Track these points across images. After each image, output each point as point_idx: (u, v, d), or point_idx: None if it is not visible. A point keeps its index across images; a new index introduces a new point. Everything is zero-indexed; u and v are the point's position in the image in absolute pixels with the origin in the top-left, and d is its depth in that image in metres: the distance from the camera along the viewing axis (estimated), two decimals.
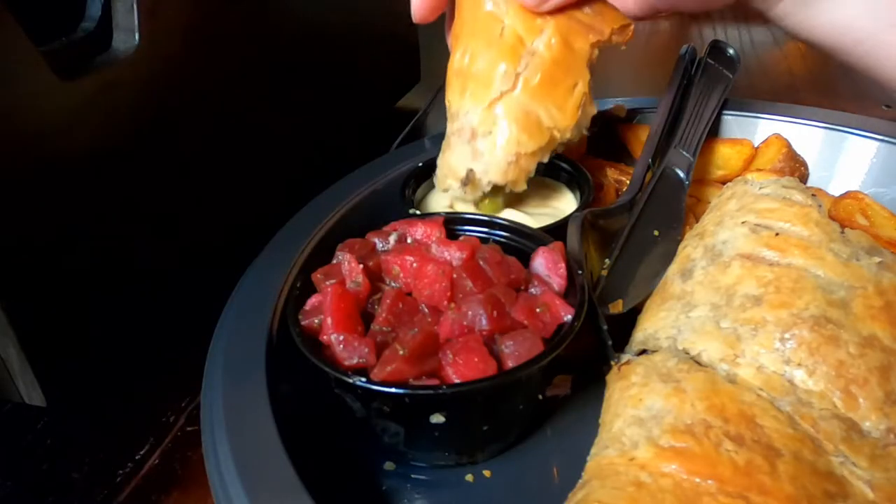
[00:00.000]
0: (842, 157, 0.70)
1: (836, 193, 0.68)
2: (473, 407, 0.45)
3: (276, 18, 0.70)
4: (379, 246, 0.53)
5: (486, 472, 0.47)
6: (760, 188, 0.54)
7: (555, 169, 0.69)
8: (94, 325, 0.54)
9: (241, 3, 0.65)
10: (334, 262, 0.52)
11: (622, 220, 0.60)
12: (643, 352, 0.49)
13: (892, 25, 0.67)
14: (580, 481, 0.41)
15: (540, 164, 0.69)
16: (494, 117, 0.59)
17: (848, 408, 0.40)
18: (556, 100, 0.59)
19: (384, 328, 0.46)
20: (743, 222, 0.51)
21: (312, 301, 0.49)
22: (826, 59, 1.02)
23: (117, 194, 0.54)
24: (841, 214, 0.63)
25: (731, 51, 0.77)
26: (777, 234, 0.48)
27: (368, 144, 0.86)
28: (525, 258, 0.52)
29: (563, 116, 0.59)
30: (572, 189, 0.67)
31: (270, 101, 0.71)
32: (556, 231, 0.56)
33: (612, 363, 0.48)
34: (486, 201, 0.62)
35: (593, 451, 0.43)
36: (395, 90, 1.01)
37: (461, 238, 0.53)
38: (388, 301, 0.47)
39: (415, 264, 0.49)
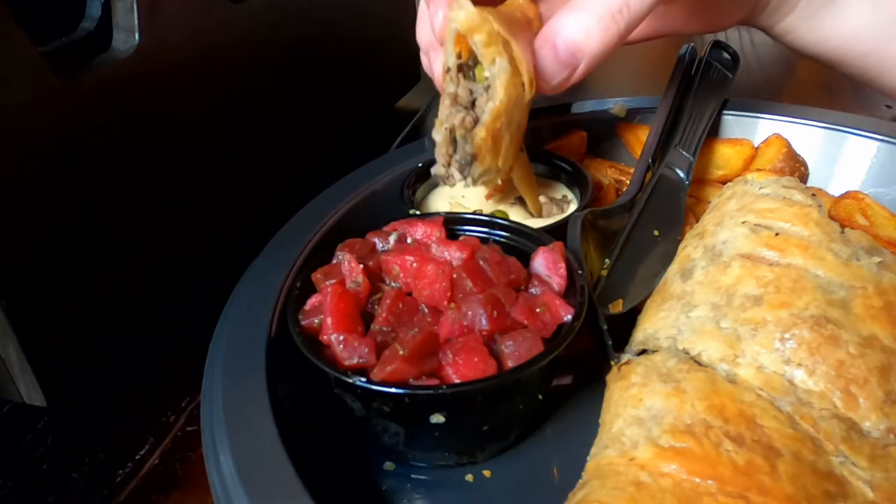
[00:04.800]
0: (842, 157, 0.70)
1: (836, 193, 0.68)
2: (473, 407, 0.45)
3: (275, 19, 0.70)
4: (379, 246, 0.53)
5: (486, 472, 0.47)
6: (760, 188, 0.54)
7: (555, 169, 0.69)
8: (94, 325, 0.54)
9: (242, 4, 0.65)
10: (334, 262, 0.51)
11: (622, 220, 0.60)
12: (643, 352, 0.48)
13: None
14: (580, 481, 0.41)
15: (540, 165, 0.70)
16: None
17: (848, 408, 0.40)
18: None
19: (384, 328, 0.46)
20: (743, 222, 0.51)
21: (312, 301, 0.49)
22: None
23: (117, 194, 0.54)
24: (841, 214, 0.63)
25: (731, 51, 0.77)
26: (777, 234, 0.48)
27: (368, 144, 0.86)
28: (525, 258, 0.52)
29: None
30: (572, 189, 0.67)
31: (270, 102, 0.71)
32: (556, 231, 0.56)
33: (612, 363, 0.48)
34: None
35: (593, 451, 0.43)
36: (394, 90, 1.01)
37: (461, 238, 0.53)
38: (388, 301, 0.47)
39: (415, 264, 0.49)
